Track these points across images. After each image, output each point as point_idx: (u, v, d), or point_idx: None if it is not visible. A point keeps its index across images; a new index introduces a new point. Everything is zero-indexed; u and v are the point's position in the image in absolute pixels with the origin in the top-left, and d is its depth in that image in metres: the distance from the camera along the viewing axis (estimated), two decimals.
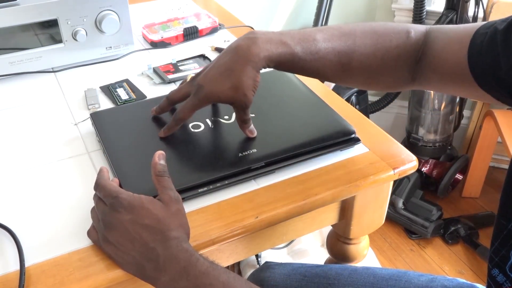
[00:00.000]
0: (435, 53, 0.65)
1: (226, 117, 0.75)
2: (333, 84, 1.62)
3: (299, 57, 0.65)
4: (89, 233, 0.59)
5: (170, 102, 0.73)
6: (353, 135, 0.73)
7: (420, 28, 0.67)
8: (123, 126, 0.74)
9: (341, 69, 0.67)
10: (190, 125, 0.73)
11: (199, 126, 0.73)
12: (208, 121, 0.74)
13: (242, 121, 0.69)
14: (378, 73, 0.68)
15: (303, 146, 0.70)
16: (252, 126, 0.71)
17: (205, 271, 0.51)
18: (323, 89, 0.90)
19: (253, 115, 0.74)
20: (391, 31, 0.67)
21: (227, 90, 0.65)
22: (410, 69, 0.67)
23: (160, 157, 0.59)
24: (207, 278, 0.51)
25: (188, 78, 0.73)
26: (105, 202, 0.57)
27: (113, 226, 0.54)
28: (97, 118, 0.76)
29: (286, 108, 0.78)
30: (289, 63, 0.66)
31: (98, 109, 0.83)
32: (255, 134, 0.71)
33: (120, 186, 0.62)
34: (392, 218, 1.69)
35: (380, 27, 0.68)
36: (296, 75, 0.85)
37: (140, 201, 0.55)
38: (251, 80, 0.65)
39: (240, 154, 0.67)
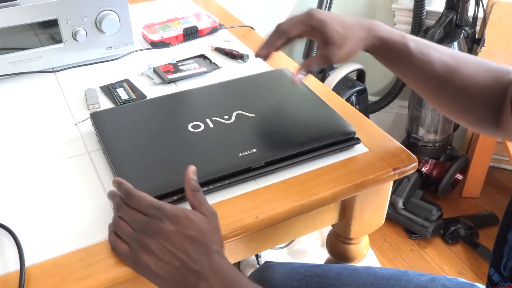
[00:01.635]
0: None
1: (226, 117, 0.75)
2: (333, 84, 1.62)
3: (409, 50, 0.67)
4: (116, 248, 0.56)
5: (281, 35, 0.71)
6: (353, 135, 0.73)
7: None
8: (123, 126, 0.74)
9: (440, 81, 0.67)
10: (190, 125, 0.73)
11: (199, 126, 0.73)
12: (208, 121, 0.74)
13: (321, 57, 0.69)
14: (474, 99, 0.66)
15: (303, 146, 0.70)
16: (303, 76, 0.71)
17: (241, 281, 0.52)
18: (323, 89, 0.90)
19: (253, 115, 0.75)
20: (495, 64, 0.67)
21: (338, 30, 0.67)
22: (498, 98, 0.65)
23: (193, 172, 0.58)
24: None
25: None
26: (144, 212, 0.55)
27: (157, 235, 0.53)
28: (97, 118, 0.76)
29: (287, 108, 0.78)
30: (398, 52, 0.68)
31: (98, 109, 0.83)
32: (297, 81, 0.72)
33: None
34: (392, 218, 1.69)
35: (485, 61, 0.68)
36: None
37: (184, 212, 0.54)
38: (359, 41, 0.68)
39: (240, 154, 0.67)
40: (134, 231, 0.55)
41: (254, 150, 0.68)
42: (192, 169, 0.59)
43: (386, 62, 0.72)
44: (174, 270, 0.52)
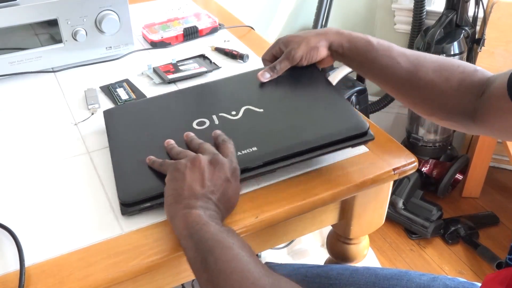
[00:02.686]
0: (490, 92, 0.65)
1: (233, 112, 0.73)
2: (333, 84, 1.62)
3: (372, 46, 0.71)
4: (153, 163, 0.64)
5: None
6: (366, 131, 0.68)
7: (487, 72, 0.68)
8: (130, 123, 0.74)
9: (407, 76, 0.69)
10: (195, 122, 0.71)
11: (203, 123, 0.71)
12: (214, 117, 0.72)
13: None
14: (442, 92, 0.68)
15: (306, 144, 0.67)
16: (268, 74, 0.78)
17: (228, 229, 0.55)
18: None
19: (262, 110, 0.73)
20: (459, 62, 0.70)
21: (296, 35, 0.77)
22: (472, 101, 0.66)
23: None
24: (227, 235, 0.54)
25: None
26: (226, 155, 0.62)
27: (195, 166, 0.59)
28: (108, 115, 0.76)
29: (298, 102, 0.75)
30: (362, 49, 0.72)
31: (98, 109, 0.83)
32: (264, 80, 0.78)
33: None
34: (392, 218, 1.69)
35: (448, 59, 0.72)
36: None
37: (234, 165, 0.61)
38: (318, 37, 0.75)
39: (239, 153, 0.65)
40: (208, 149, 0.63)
41: (254, 149, 0.66)
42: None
43: (349, 60, 0.76)
44: (199, 190, 0.58)
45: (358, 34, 0.74)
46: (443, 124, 0.73)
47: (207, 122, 0.72)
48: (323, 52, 0.76)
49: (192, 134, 0.68)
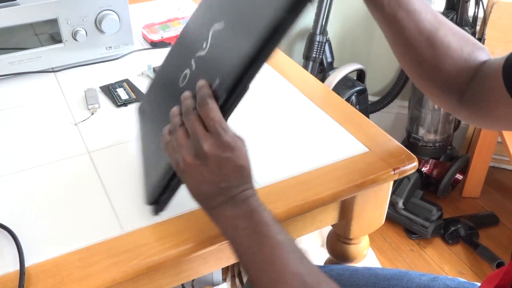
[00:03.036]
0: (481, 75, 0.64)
1: (204, 45, 0.60)
2: (333, 84, 1.62)
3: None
4: (166, 148, 0.56)
5: None
6: None
7: (489, 54, 0.67)
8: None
9: (429, 28, 0.64)
10: (180, 80, 0.63)
11: (185, 76, 0.62)
12: (192, 62, 0.62)
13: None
14: (452, 58, 0.65)
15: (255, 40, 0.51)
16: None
17: (267, 222, 0.53)
18: (323, 89, 0.90)
19: (222, 23, 0.57)
20: (471, 36, 0.67)
21: None
22: (468, 78, 0.65)
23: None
24: (267, 230, 0.52)
25: None
26: (207, 124, 0.53)
27: (205, 157, 0.52)
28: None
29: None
30: None
31: (98, 109, 0.83)
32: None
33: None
34: (392, 218, 1.69)
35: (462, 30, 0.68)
36: None
37: (242, 142, 0.54)
38: None
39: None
40: (188, 139, 0.54)
41: (217, 82, 0.54)
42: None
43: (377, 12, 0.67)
44: (208, 185, 0.53)
45: None
46: (433, 97, 0.69)
47: (188, 73, 0.61)
48: None
49: (172, 121, 0.57)
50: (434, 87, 0.68)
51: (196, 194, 0.55)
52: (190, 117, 0.54)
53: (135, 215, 0.63)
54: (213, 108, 0.53)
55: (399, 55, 0.68)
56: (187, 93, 0.56)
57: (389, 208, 1.62)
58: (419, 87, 0.70)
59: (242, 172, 0.54)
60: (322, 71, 1.73)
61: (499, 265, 1.55)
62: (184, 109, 0.55)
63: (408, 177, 1.65)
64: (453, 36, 0.65)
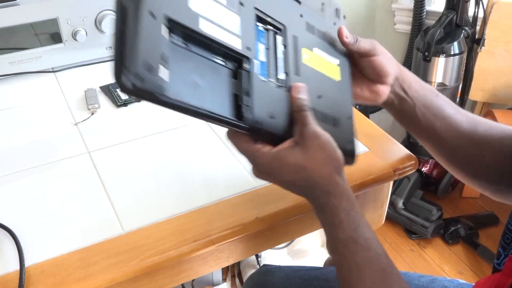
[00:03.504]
0: None
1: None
2: None
3: (437, 92, 0.65)
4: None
5: None
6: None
7: None
8: None
9: (469, 129, 0.64)
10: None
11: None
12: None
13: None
14: (495, 151, 0.63)
15: None
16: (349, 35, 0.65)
17: (360, 215, 0.52)
18: None
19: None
20: (506, 126, 0.65)
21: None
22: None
23: (298, 90, 0.54)
24: (359, 223, 0.52)
25: None
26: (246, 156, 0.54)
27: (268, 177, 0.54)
28: None
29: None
30: (429, 92, 0.64)
31: (98, 109, 0.83)
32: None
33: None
34: (392, 218, 1.69)
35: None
36: None
37: (278, 159, 0.52)
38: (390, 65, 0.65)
39: None
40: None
41: None
42: (297, 86, 0.55)
43: (408, 103, 0.65)
44: (300, 193, 0.54)
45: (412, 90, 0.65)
46: (490, 193, 0.67)
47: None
48: (388, 70, 0.63)
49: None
50: (487, 184, 0.66)
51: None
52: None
53: (135, 215, 0.63)
54: (243, 147, 0.53)
55: (447, 163, 0.67)
56: None
57: (389, 208, 1.62)
58: (472, 186, 0.69)
59: (290, 188, 0.54)
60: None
61: None
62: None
63: (408, 177, 1.65)
64: (491, 130, 0.64)
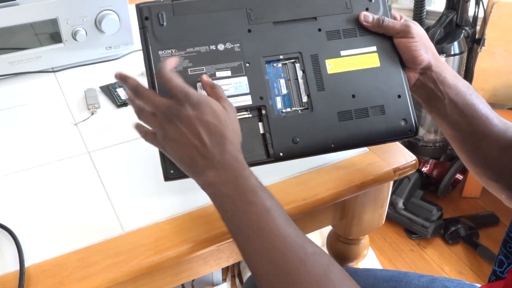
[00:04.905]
0: None
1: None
2: None
3: (473, 89, 0.64)
4: (146, 137, 0.57)
5: None
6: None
7: None
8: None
9: (503, 129, 0.63)
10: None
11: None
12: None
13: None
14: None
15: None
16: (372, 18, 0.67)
17: (254, 188, 0.52)
18: None
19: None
20: None
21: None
22: None
23: (206, 76, 0.59)
24: (253, 196, 0.51)
25: None
26: (170, 94, 0.55)
27: (178, 119, 0.53)
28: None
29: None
30: (464, 88, 0.63)
31: (98, 109, 0.83)
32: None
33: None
34: (392, 218, 1.69)
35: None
36: None
37: (207, 100, 0.54)
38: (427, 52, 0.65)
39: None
40: (156, 116, 0.55)
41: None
42: (204, 76, 0.59)
43: (440, 98, 0.65)
44: (188, 153, 0.54)
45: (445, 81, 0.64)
46: (501, 193, 0.67)
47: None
48: (419, 56, 0.63)
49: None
50: (505, 187, 0.66)
51: (179, 162, 0.55)
52: (146, 99, 0.56)
53: (135, 215, 0.63)
54: (169, 78, 0.55)
55: (467, 159, 0.67)
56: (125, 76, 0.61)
57: (389, 208, 1.62)
58: (487, 186, 0.69)
59: (211, 129, 0.53)
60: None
61: None
62: (138, 92, 0.58)
63: (408, 177, 1.65)
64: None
